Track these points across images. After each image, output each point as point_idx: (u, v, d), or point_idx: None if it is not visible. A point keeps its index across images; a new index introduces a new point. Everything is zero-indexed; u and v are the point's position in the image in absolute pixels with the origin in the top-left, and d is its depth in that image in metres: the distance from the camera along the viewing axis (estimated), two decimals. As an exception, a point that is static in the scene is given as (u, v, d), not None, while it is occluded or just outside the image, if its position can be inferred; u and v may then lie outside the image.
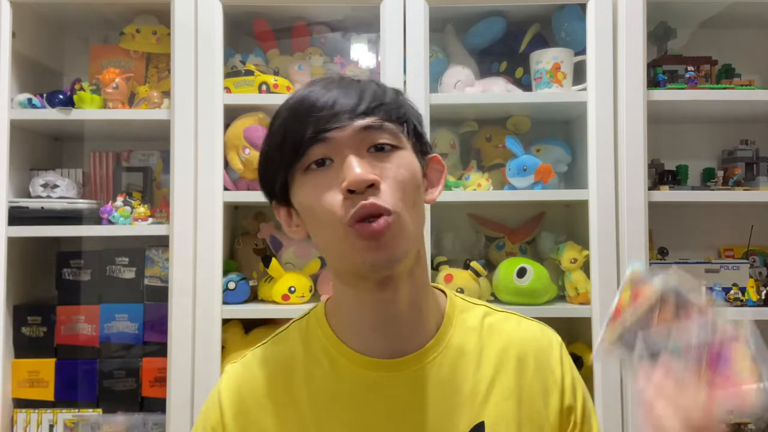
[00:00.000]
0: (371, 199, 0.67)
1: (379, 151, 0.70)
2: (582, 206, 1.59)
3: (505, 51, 1.77)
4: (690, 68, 1.65)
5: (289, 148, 0.71)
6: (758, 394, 0.62)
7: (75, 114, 1.61)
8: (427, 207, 0.78)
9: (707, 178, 1.76)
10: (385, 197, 0.68)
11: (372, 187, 0.67)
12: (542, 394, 0.76)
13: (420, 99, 1.54)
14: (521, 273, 1.58)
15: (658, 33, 1.74)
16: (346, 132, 0.69)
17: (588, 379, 1.61)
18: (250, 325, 1.65)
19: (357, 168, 0.67)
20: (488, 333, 0.79)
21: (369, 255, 0.67)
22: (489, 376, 0.76)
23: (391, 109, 0.72)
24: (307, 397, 0.75)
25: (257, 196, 1.66)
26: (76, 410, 1.62)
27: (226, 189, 1.58)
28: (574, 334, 1.73)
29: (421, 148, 0.76)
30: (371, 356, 0.75)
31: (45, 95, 1.64)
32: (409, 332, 0.75)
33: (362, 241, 0.67)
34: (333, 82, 0.73)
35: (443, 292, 0.83)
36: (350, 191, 0.67)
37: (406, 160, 0.72)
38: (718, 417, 0.62)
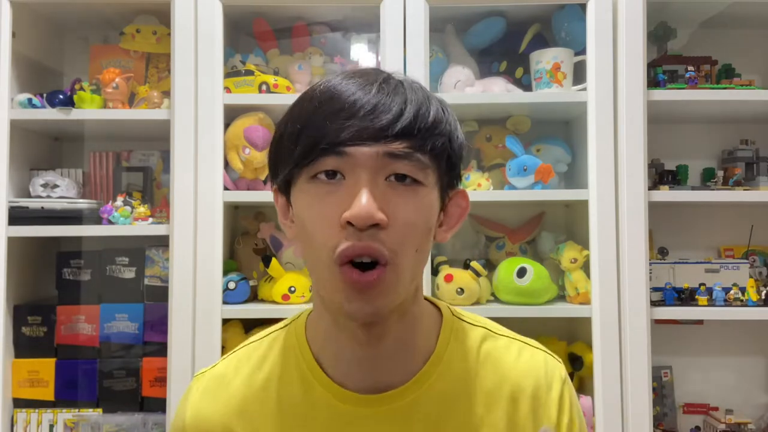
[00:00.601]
0: (368, 242, 0.59)
1: (399, 181, 0.62)
2: (582, 206, 1.59)
3: (505, 51, 1.77)
4: (690, 68, 1.65)
5: (301, 147, 0.62)
6: None
7: (75, 114, 1.61)
8: (430, 249, 0.71)
9: (707, 178, 1.76)
10: (387, 242, 0.60)
11: (376, 227, 0.60)
12: None
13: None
14: (521, 273, 1.58)
15: (658, 33, 1.74)
16: (369, 152, 0.60)
17: (588, 380, 1.62)
18: (250, 325, 1.65)
19: (365, 200, 0.59)
20: (483, 363, 0.72)
21: (352, 304, 0.61)
22: (478, 414, 0.69)
23: (429, 136, 0.62)
24: (277, 420, 0.69)
25: (257, 196, 1.68)
26: (76, 410, 1.62)
27: (226, 189, 1.58)
28: (574, 334, 1.73)
29: (449, 181, 0.67)
30: (350, 389, 0.68)
31: (45, 95, 1.64)
32: (394, 367, 0.69)
33: (348, 288, 0.61)
34: (374, 81, 0.63)
35: (438, 308, 0.75)
36: (350, 224, 0.59)
37: (425, 201, 0.63)
38: None
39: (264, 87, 1.62)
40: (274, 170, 0.69)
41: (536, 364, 0.73)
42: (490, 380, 0.71)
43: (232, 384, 0.73)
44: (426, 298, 0.75)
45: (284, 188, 0.68)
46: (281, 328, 0.77)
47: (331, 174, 0.62)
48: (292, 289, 1.58)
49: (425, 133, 0.62)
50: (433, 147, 0.63)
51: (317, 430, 0.68)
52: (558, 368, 0.74)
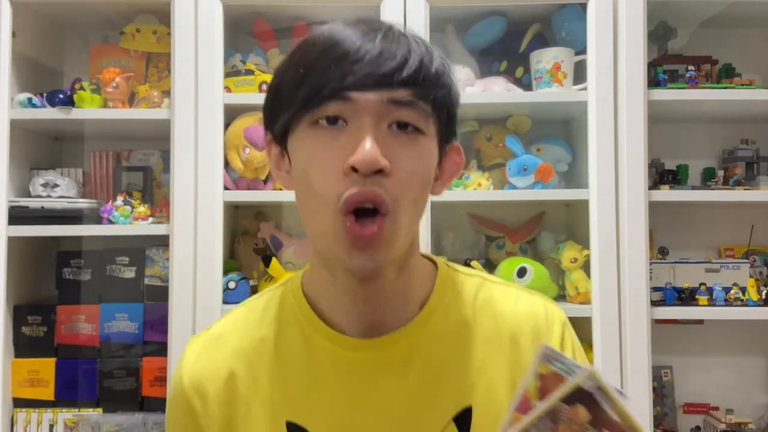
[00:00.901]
0: (372, 187, 0.59)
1: (401, 129, 0.62)
2: (582, 206, 1.59)
3: (505, 51, 1.77)
4: (690, 68, 1.65)
5: (303, 92, 0.61)
6: None
7: (75, 113, 1.61)
8: (427, 201, 0.70)
9: (707, 178, 1.76)
10: (389, 190, 0.60)
11: (380, 173, 0.59)
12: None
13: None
14: (521, 273, 1.58)
15: (658, 33, 1.74)
16: (373, 98, 0.60)
17: (588, 379, 1.61)
18: (250, 325, 1.64)
19: (370, 146, 0.58)
20: (481, 309, 0.72)
21: (353, 256, 0.61)
22: (479, 357, 0.69)
23: (432, 86, 0.62)
24: (278, 376, 0.69)
25: (257, 196, 1.68)
26: (77, 410, 1.62)
27: (226, 189, 1.58)
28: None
29: (447, 135, 0.67)
30: (349, 335, 0.68)
31: (45, 95, 1.64)
32: (392, 312, 0.69)
33: (349, 242, 0.60)
34: (378, 30, 0.62)
35: (434, 261, 0.75)
36: (354, 169, 0.59)
37: (425, 149, 0.64)
38: None
39: (264, 87, 1.62)
40: (270, 118, 0.68)
41: (535, 308, 0.73)
42: (489, 325, 0.71)
43: (230, 342, 0.72)
44: (422, 254, 0.75)
45: (281, 137, 0.67)
46: (276, 288, 0.77)
47: (333, 120, 0.61)
48: (292, 288, 1.58)
49: (428, 82, 0.62)
50: (436, 97, 0.63)
51: (318, 377, 0.69)
52: (557, 312, 0.74)
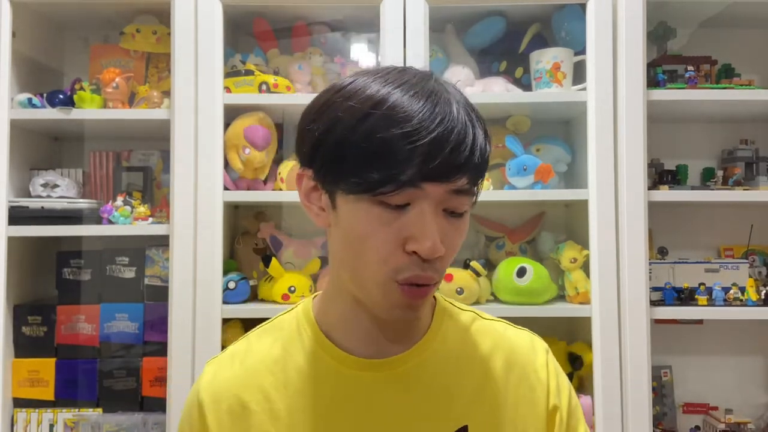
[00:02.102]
0: (429, 273, 0.65)
1: (452, 215, 0.66)
2: (582, 206, 1.59)
3: (505, 51, 1.77)
4: (690, 68, 1.65)
5: (378, 174, 0.61)
6: None
7: (75, 114, 1.61)
8: None
9: (707, 178, 1.76)
10: (440, 268, 0.66)
11: (436, 258, 0.65)
12: (528, 399, 0.75)
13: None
14: (521, 273, 1.58)
15: (658, 33, 1.74)
16: (441, 189, 0.63)
17: (588, 379, 1.62)
18: (250, 325, 1.64)
19: (435, 236, 0.63)
20: (475, 338, 0.78)
21: (399, 312, 0.67)
22: (474, 379, 0.74)
23: (484, 169, 0.66)
24: (289, 395, 0.73)
25: (257, 196, 1.68)
26: (76, 410, 1.62)
27: (226, 189, 1.58)
28: (574, 334, 1.73)
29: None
30: (358, 356, 0.73)
31: (45, 95, 1.64)
32: (398, 336, 0.74)
33: (399, 298, 0.66)
34: (441, 103, 0.62)
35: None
36: (415, 253, 0.64)
37: (466, 225, 0.68)
38: None
39: (264, 87, 1.62)
40: (308, 161, 0.68)
41: (522, 337, 0.80)
42: (483, 350, 0.77)
43: (244, 362, 0.76)
44: None
45: (324, 184, 0.67)
46: (286, 312, 0.81)
47: (398, 205, 0.63)
48: (292, 288, 1.58)
49: (482, 166, 0.65)
50: (482, 177, 0.67)
51: (325, 396, 0.72)
52: (540, 342, 0.80)
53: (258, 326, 0.82)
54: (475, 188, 0.67)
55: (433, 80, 0.66)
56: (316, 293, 0.81)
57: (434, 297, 0.80)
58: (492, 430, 0.73)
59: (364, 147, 0.62)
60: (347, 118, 0.63)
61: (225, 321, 1.57)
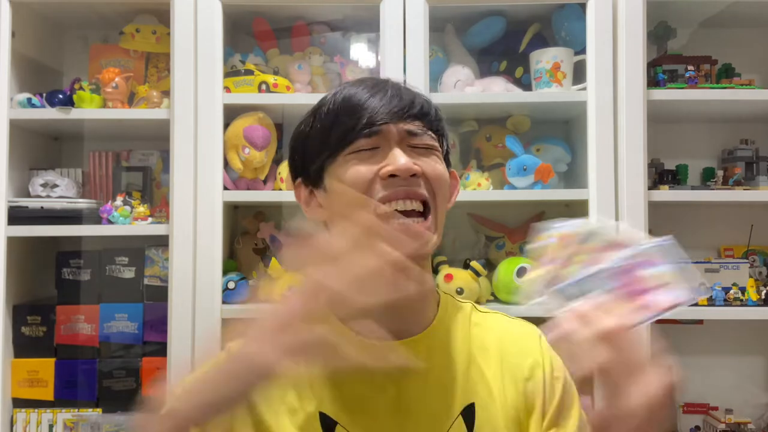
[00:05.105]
0: (410, 188, 0.74)
1: (417, 149, 0.78)
2: (582, 206, 1.59)
3: (505, 50, 1.77)
4: (690, 68, 1.65)
5: (337, 135, 0.76)
6: (671, 294, 0.68)
7: (74, 113, 1.61)
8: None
9: (707, 178, 1.76)
10: (426, 188, 0.75)
11: (413, 176, 0.75)
12: (525, 376, 0.81)
13: (420, 98, 1.54)
14: (521, 272, 1.58)
15: (658, 32, 1.74)
16: (396, 129, 0.76)
17: (588, 379, 1.61)
18: (249, 325, 1.64)
19: (402, 157, 0.74)
20: (476, 324, 0.85)
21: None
22: (477, 363, 0.81)
23: (433, 120, 0.80)
24: (310, 373, 0.76)
25: (257, 196, 1.67)
26: (76, 410, 1.62)
27: (226, 188, 1.58)
28: (574, 334, 1.73)
29: (447, 161, 0.84)
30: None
31: (45, 95, 1.64)
32: (414, 317, 0.81)
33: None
34: (384, 85, 0.79)
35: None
36: (392, 176, 0.74)
37: (440, 160, 0.80)
38: (631, 322, 0.66)
39: (264, 86, 1.62)
40: (302, 166, 0.82)
41: (516, 325, 0.88)
42: (483, 335, 0.84)
43: None
44: None
45: (315, 178, 0.80)
46: None
47: (369, 148, 0.76)
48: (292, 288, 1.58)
49: (431, 117, 0.80)
50: (438, 129, 0.81)
51: (345, 375, 0.75)
52: (534, 327, 0.88)
53: None
54: (432, 134, 0.79)
55: (387, 79, 0.82)
56: None
57: (438, 292, 0.87)
58: (495, 405, 0.79)
59: (322, 124, 0.79)
60: (308, 117, 0.82)
61: (225, 321, 1.57)
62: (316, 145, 0.79)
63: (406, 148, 0.77)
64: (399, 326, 0.76)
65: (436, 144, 0.81)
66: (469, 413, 0.78)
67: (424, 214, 0.77)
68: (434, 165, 0.78)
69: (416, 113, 0.78)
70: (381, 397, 0.77)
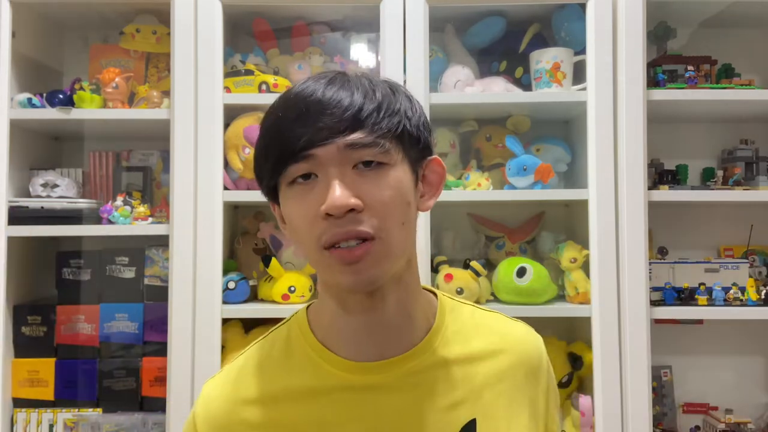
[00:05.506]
0: (348, 227, 0.65)
1: (366, 167, 0.66)
2: (582, 206, 1.59)
3: (504, 51, 1.77)
4: (690, 68, 1.65)
5: (270, 162, 0.68)
6: None
7: (75, 113, 1.61)
8: (416, 220, 0.75)
9: (707, 178, 1.76)
10: (368, 222, 0.65)
11: (353, 212, 0.65)
12: (530, 399, 0.78)
13: (420, 99, 1.54)
14: (521, 272, 1.58)
15: (658, 33, 1.74)
16: (330, 150, 0.65)
17: (588, 379, 1.62)
18: (250, 325, 1.65)
19: (337, 191, 0.64)
20: (476, 331, 0.79)
21: (346, 278, 0.67)
22: (478, 374, 0.75)
23: (380, 120, 0.67)
24: (292, 405, 0.72)
25: (257, 196, 1.65)
26: (76, 410, 1.62)
27: (226, 188, 1.58)
28: (574, 334, 1.73)
29: (421, 153, 0.72)
30: (358, 360, 0.72)
31: (45, 95, 1.64)
32: (398, 336, 0.74)
33: (339, 265, 0.66)
34: (334, 81, 0.68)
35: (434, 293, 0.82)
36: (329, 215, 0.65)
37: (393, 178, 0.68)
38: None
39: (264, 87, 1.62)
40: (259, 183, 0.75)
41: (522, 335, 0.82)
42: (485, 343, 0.78)
43: (242, 377, 0.76)
44: (424, 287, 0.80)
45: (273, 197, 0.74)
46: (280, 326, 0.80)
47: (306, 176, 0.67)
48: (292, 288, 1.58)
49: (375, 118, 0.67)
50: (389, 128, 0.67)
51: (329, 404, 0.72)
52: (540, 339, 0.83)
53: (254, 341, 0.81)
54: (381, 138, 0.67)
55: (338, 72, 0.71)
56: (310, 302, 0.81)
57: (435, 296, 0.81)
58: (498, 421, 0.74)
59: (261, 146, 0.71)
60: (259, 130, 0.73)
61: (225, 321, 1.57)
62: (261, 167, 0.72)
63: (349, 171, 0.66)
64: (381, 347, 0.73)
65: (393, 149, 0.68)
66: (469, 429, 0.73)
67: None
68: (380, 191, 0.66)
69: (355, 120, 0.66)
70: (369, 422, 0.71)
